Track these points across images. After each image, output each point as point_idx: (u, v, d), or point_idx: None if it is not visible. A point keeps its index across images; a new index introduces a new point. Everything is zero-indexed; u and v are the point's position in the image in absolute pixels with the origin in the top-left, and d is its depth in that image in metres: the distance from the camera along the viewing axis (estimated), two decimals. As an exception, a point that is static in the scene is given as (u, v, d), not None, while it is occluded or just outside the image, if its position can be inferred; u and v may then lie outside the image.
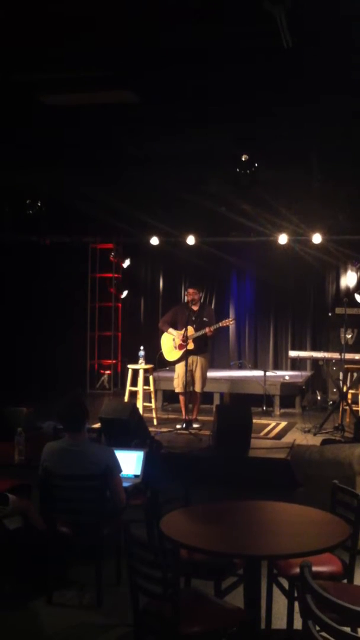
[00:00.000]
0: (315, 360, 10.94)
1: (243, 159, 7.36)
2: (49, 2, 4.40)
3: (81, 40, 4.99)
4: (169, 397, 10.55)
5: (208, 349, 9.30)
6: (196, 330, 8.71)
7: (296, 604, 3.76)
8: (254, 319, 12.71)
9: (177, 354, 8.87)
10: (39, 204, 10.29)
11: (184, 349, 8.73)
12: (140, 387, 9.43)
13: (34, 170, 8.73)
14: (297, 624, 3.52)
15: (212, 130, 7.07)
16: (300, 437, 8.43)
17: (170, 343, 8.95)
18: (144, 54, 5.22)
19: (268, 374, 10.44)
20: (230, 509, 4.04)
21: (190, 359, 8.80)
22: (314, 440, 7.91)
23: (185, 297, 9.28)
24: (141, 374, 9.42)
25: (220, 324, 8.80)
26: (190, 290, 8.96)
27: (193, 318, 8.80)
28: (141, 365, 9.39)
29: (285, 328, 12.53)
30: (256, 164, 7.36)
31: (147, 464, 5.21)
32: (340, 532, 3.50)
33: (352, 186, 8.95)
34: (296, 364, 11.72)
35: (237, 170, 7.43)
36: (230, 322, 9.14)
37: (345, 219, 10.45)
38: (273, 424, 9.44)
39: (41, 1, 4.40)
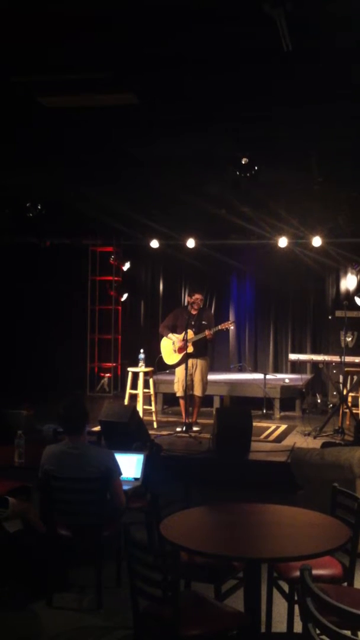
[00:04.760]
0: (315, 363, 10.93)
1: (243, 162, 7.34)
2: (49, 2, 4.39)
3: (81, 41, 4.98)
4: (169, 400, 10.52)
5: (208, 352, 9.27)
6: (195, 333, 8.69)
7: (296, 607, 3.74)
8: (254, 321, 12.70)
9: (177, 357, 8.84)
10: (39, 207, 10.29)
11: (184, 353, 8.71)
12: (140, 390, 9.41)
13: (34, 172, 8.73)
14: (297, 627, 3.50)
15: (212, 132, 7.06)
16: (300, 440, 8.41)
17: (169, 347, 8.93)
18: (144, 55, 5.21)
19: (268, 377, 10.43)
20: (230, 511, 4.03)
21: (190, 362, 8.77)
22: (314, 443, 7.89)
23: (187, 301, 9.25)
24: (141, 377, 9.40)
25: (220, 327, 8.78)
26: (198, 296, 8.87)
27: (192, 322, 8.77)
28: (141, 368, 9.37)
29: (285, 331, 12.53)
30: (256, 167, 7.35)
31: (147, 467, 5.19)
32: (340, 535, 3.49)
33: (352, 188, 8.94)
34: (296, 367, 11.70)
35: (237, 173, 7.42)
36: (229, 325, 9.10)
37: (345, 222, 10.44)
38: (273, 427, 9.42)
39: (41, 1, 4.39)
